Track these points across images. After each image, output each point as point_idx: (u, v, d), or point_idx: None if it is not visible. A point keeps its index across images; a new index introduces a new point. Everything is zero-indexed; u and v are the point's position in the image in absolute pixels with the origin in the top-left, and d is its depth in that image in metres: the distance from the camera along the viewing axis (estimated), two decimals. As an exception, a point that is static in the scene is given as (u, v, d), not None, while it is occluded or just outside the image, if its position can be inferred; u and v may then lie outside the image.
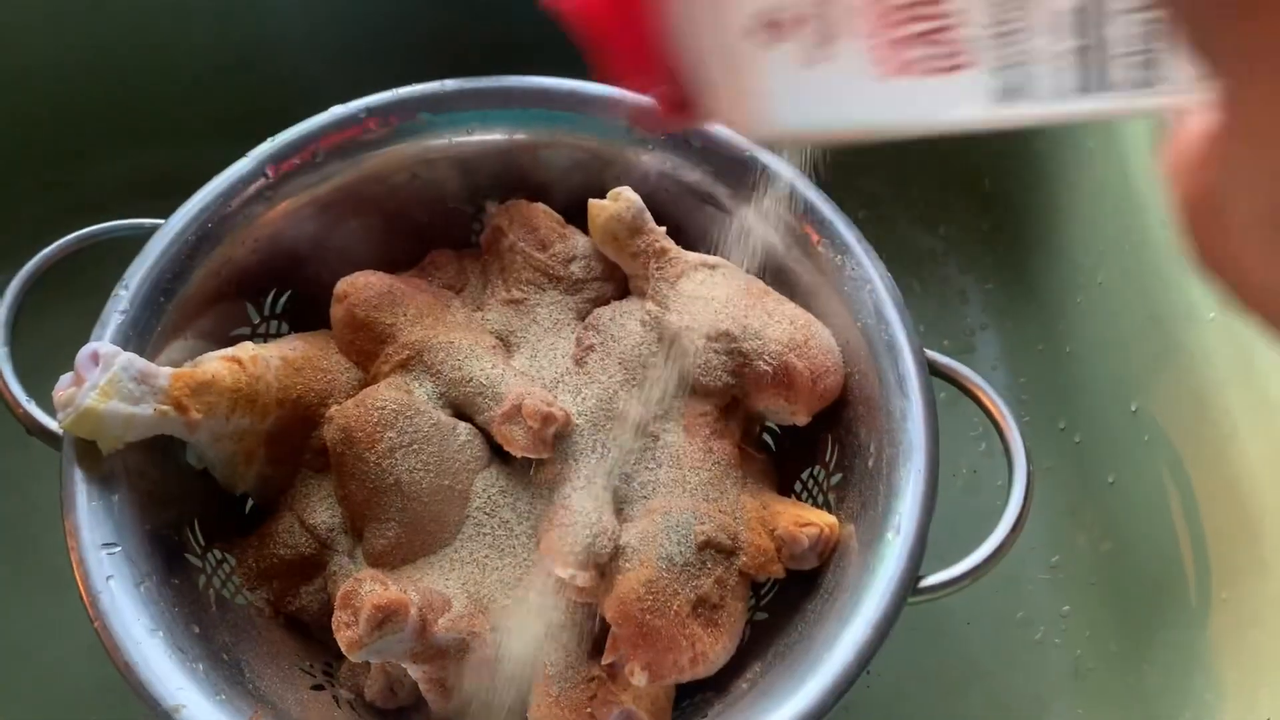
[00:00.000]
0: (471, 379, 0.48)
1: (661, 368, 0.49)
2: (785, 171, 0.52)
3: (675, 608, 0.44)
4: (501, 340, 0.52)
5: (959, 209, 0.73)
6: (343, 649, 0.42)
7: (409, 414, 0.47)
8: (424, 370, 0.49)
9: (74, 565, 0.42)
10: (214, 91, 0.69)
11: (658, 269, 0.51)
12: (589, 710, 0.44)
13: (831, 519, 0.47)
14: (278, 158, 0.52)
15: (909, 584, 0.42)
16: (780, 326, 0.49)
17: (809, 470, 0.52)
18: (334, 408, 0.49)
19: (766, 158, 0.52)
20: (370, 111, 0.53)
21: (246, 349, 0.48)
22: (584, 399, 0.48)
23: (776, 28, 0.22)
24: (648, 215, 0.52)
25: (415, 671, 0.45)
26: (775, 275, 0.52)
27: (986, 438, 0.64)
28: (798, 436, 0.52)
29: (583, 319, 0.52)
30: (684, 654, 0.44)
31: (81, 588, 0.41)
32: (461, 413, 0.49)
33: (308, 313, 0.54)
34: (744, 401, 0.50)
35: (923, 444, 0.45)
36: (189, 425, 0.45)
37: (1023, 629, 0.59)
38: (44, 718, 0.56)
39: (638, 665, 0.44)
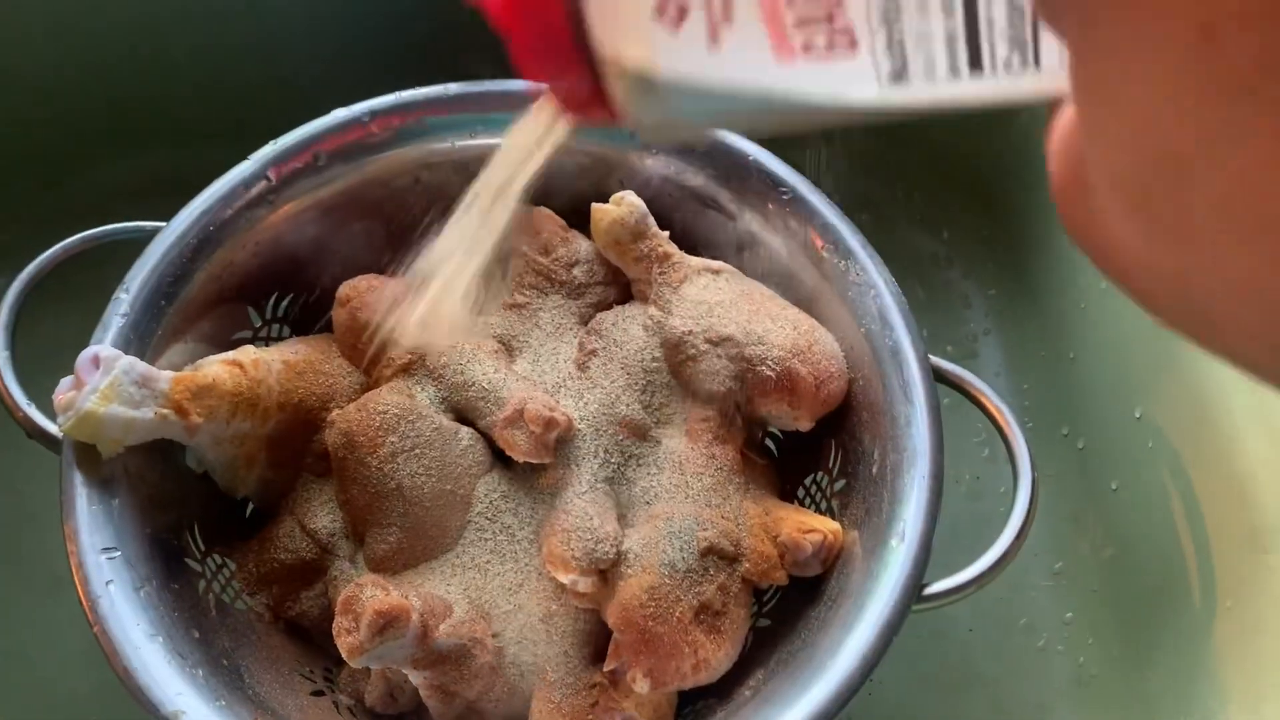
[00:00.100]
0: (474, 383, 0.48)
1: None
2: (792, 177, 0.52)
3: (678, 614, 0.44)
4: (503, 344, 0.52)
5: (962, 214, 0.73)
6: (344, 655, 0.42)
7: (411, 418, 0.47)
8: (426, 374, 0.49)
9: (73, 569, 0.42)
10: (215, 94, 0.69)
11: (660, 274, 0.51)
12: (590, 717, 0.44)
13: (835, 525, 0.47)
14: (279, 160, 0.51)
15: (913, 591, 0.42)
16: (784, 332, 0.49)
17: (812, 476, 0.52)
18: (335, 412, 0.48)
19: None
20: (373, 114, 0.53)
21: (248, 352, 0.48)
22: (586, 404, 0.48)
23: (677, 9, 0.22)
24: (651, 220, 0.51)
25: (416, 677, 0.45)
26: (779, 280, 0.52)
27: (989, 444, 0.64)
28: (800, 442, 0.52)
29: (585, 323, 0.52)
30: (686, 661, 0.44)
31: (81, 592, 0.41)
32: (463, 417, 0.49)
33: (309, 316, 0.54)
34: (747, 407, 0.49)
35: (927, 450, 0.45)
36: (189, 429, 0.45)
37: (1025, 635, 0.59)
38: (41, 722, 0.56)
39: (640, 672, 0.43)
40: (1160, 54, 0.15)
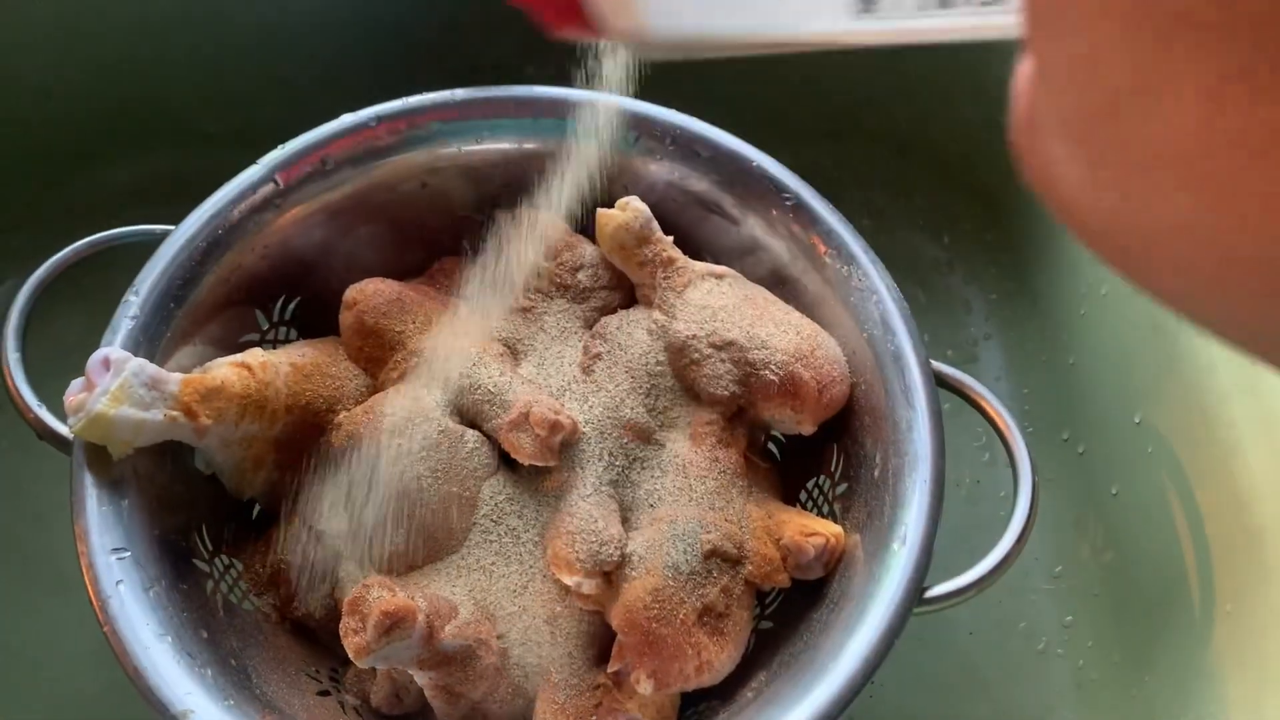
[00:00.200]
0: (479, 387, 0.49)
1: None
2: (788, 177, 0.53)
3: (681, 616, 0.44)
4: (509, 348, 0.52)
5: (963, 219, 0.73)
6: (350, 655, 0.42)
7: (417, 421, 0.47)
8: (432, 378, 0.49)
9: (84, 570, 0.42)
10: (222, 97, 0.70)
11: (665, 278, 0.51)
12: (594, 718, 0.45)
13: (837, 529, 0.47)
14: (288, 164, 0.52)
15: (915, 594, 0.42)
16: (787, 336, 0.49)
17: (814, 480, 0.53)
18: (342, 414, 0.49)
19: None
20: (381, 119, 0.53)
21: (256, 355, 0.48)
22: (591, 407, 0.49)
23: None
24: (655, 225, 0.52)
25: (421, 678, 0.45)
26: (781, 285, 0.53)
27: (989, 448, 0.65)
28: (803, 446, 0.52)
29: (590, 327, 0.52)
30: (689, 662, 0.44)
31: (91, 592, 0.42)
32: (469, 420, 0.49)
33: (316, 319, 0.54)
34: (750, 411, 0.50)
35: (928, 455, 0.45)
36: (198, 431, 0.45)
37: (1025, 639, 0.59)
38: (49, 721, 0.57)
39: (643, 673, 0.44)
40: None
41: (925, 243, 0.73)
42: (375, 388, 0.51)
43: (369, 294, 0.51)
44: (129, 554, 0.43)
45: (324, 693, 0.48)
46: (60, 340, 0.53)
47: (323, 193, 0.53)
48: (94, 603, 0.41)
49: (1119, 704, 0.56)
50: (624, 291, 0.54)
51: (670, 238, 0.52)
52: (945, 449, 0.46)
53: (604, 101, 0.53)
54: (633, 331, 0.50)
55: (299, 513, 0.50)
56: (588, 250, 0.54)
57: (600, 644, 0.46)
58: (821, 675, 0.41)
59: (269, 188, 0.52)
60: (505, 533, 0.48)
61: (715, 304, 0.50)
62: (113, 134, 0.70)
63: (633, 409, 0.49)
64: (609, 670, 0.45)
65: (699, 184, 0.54)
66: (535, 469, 0.48)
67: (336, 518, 0.49)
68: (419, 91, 0.54)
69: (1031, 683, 0.58)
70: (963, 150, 0.72)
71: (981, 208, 0.73)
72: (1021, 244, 0.70)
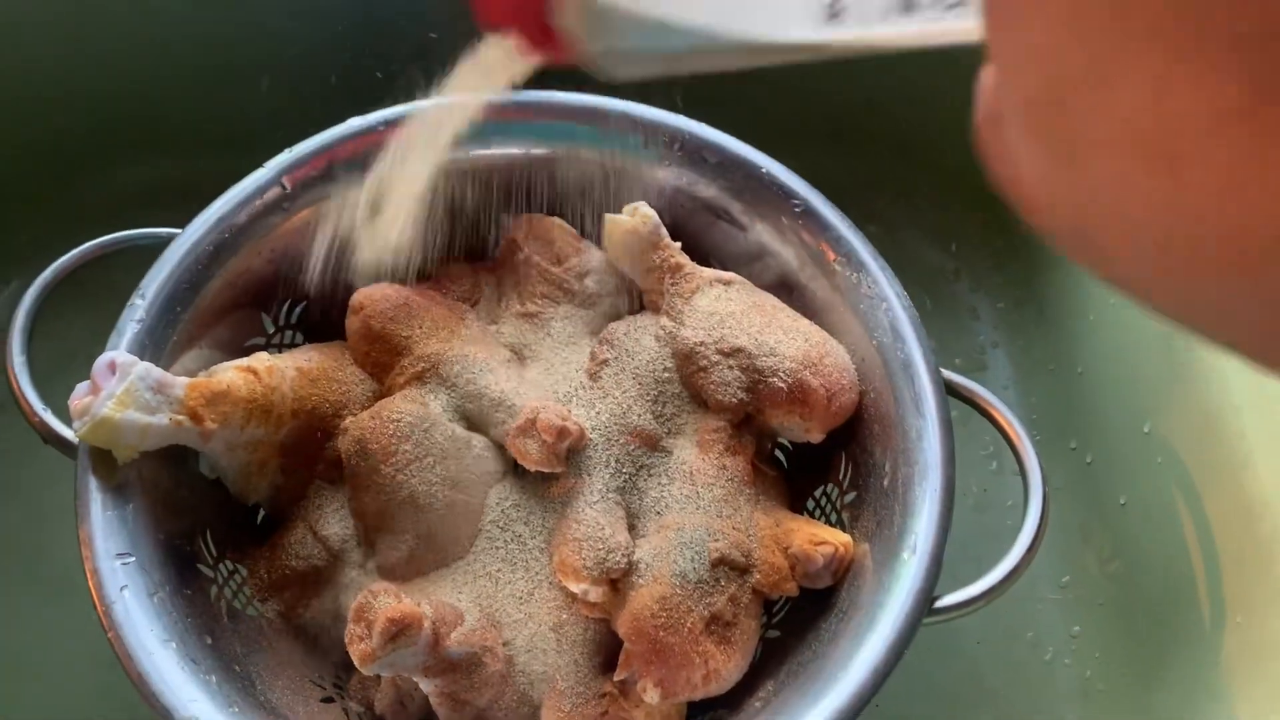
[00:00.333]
0: (486, 392, 0.48)
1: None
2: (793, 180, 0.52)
3: (689, 625, 0.44)
4: (515, 353, 0.52)
5: (971, 226, 0.73)
6: (356, 662, 0.42)
7: (424, 427, 0.47)
8: (439, 383, 0.49)
9: (88, 575, 0.42)
10: (231, 101, 0.69)
11: (672, 284, 0.51)
12: (601, 726, 0.44)
13: (846, 537, 0.47)
14: (295, 168, 0.52)
15: (925, 604, 0.42)
16: (795, 343, 0.49)
17: (821, 488, 0.52)
18: (349, 419, 0.48)
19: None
20: (388, 124, 0.53)
21: (262, 359, 0.48)
22: (598, 413, 0.48)
23: None
24: (664, 231, 0.52)
25: (427, 685, 0.45)
26: (789, 292, 0.53)
27: (997, 456, 0.64)
28: (810, 454, 0.52)
29: (596, 333, 0.52)
30: (697, 671, 0.44)
31: (95, 597, 0.41)
32: (476, 426, 0.49)
33: (322, 323, 0.54)
34: (758, 418, 0.50)
35: (938, 464, 0.45)
36: (204, 435, 0.45)
37: (1033, 649, 0.59)
38: (51, 725, 0.56)
39: (650, 682, 0.44)
40: None
41: (932, 250, 0.73)
42: (381, 393, 0.50)
43: (375, 299, 0.51)
44: (133, 559, 0.42)
45: (328, 699, 0.48)
46: (64, 342, 0.53)
47: (330, 196, 0.52)
48: (98, 608, 0.41)
49: (1126, 715, 0.56)
50: (631, 297, 0.54)
51: (678, 244, 0.52)
52: (955, 458, 0.45)
53: (611, 107, 0.53)
54: (640, 338, 0.50)
55: (304, 518, 0.49)
56: (595, 256, 0.54)
57: (606, 652, 0.46)
58: (830, 685, 0.41)
59: (276, 191, 0.51)
60: (511, 539, 0.47)
61: (723, 310, 0.50)
62: (119, 137, 0.70)
63: (640, 415, 0.48)
64: (615, 678, 0.45)
65: (707, 190, 0.54)
66: (542, 475, 0.48)
67: (341, 523, 0.49)
68: (427, 96, 0.54)
69: (1038, 693, 0.58)
70: (970, 157, 0.71)
71: (989, 215, 0.73)
72: (1029, 252, 0.70)
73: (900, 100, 0.72)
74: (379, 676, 0.47)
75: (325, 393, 0.49)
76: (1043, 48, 0.17)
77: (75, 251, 0.50)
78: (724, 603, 0.45)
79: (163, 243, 0.50)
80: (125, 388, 0.43)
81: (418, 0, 0.68)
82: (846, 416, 0.49)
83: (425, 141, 0.40)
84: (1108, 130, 0.17)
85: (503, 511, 0.48)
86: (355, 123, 0.53)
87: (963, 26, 0.22)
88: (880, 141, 0.74)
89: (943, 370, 0.48)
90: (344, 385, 0.50)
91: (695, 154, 0.53)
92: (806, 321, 0.51)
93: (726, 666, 0.45)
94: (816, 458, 0.52)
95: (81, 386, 0.43)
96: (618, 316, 0.53)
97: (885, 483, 0.47)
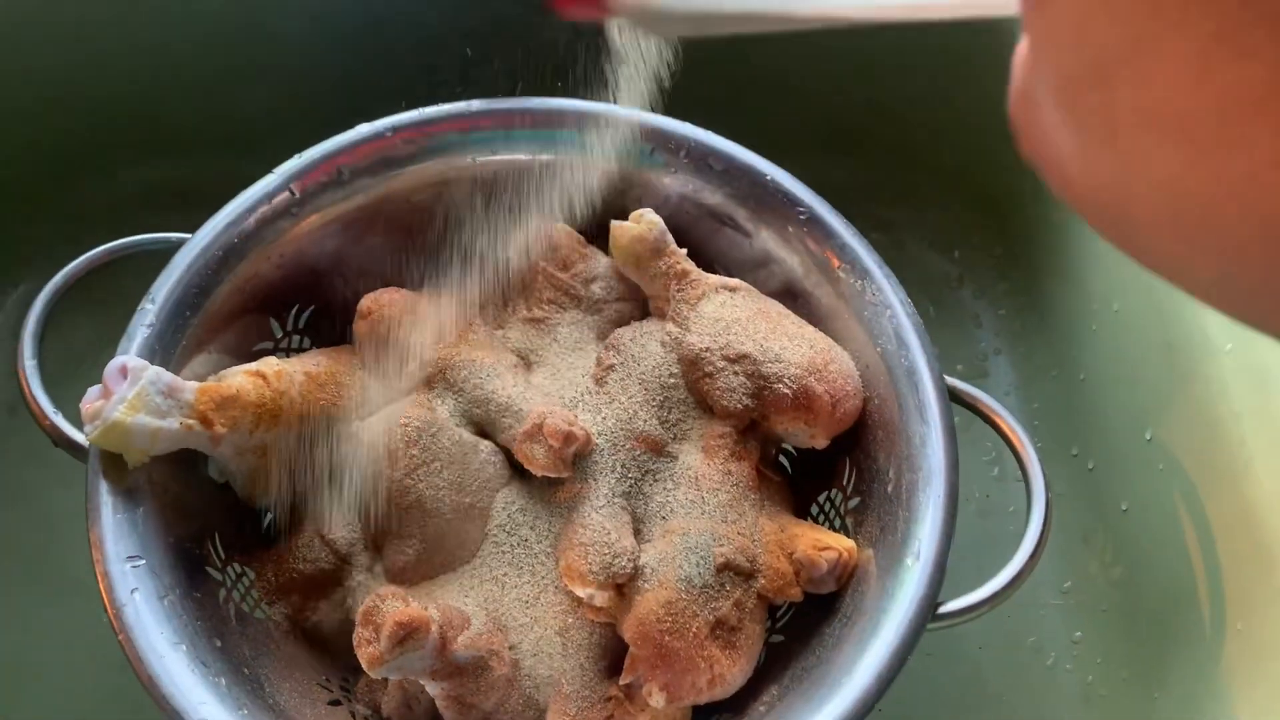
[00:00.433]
0: (493, 397, 0.49)
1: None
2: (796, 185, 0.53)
3: (694, 629, 0.44)
4: (522, 359, 0.52)
5: (973, 233, 0.74)
6: (363, 665, 0.42)
7: (431, 431, 0.47)
8: (446, 388, 0.50)
9: (99, 578, 0.42)
10: (239, 106, 0.70)
11: (678, 290, 0.51)
12: (606, 730, 0.45)
13: (850, 543, 0.47)
14: (304, 174, 0.52)
15: (928, 610, 0.43)
16: (800, 350, 0.49)
17: (825, 494, 0.53)
18: (356, 424, 0.49)
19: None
20: (396, 129, 0.53)
21: (270, 364, 0.49)
22: (604, 419, 0.49)
23: None
24: (670, 237, 0.52)
25: (433, 689, 0.45)
26: (794, 299, 0.53)
27: (999, 462, 0.65)
28: (814, 459, 0.53)
29: (603, 339, 0.53)
30: (702, 676, 0.44)
31: (106, 600, 0.42)
32: (483, 431, 0.49)
33: (330, 328, 0.54)
34: (763, 424, 0.50)
35: (942, 470, 0.45)
36: (214, 439, 0.45)
37: (1034, 654, 0.59)
38: (59, 726, 0.57)
39: (655, 686, 0.44)
40: None
41: (935, 257, 0.73)
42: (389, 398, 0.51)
43: (383, 303, 0.51)
44: (144, 562, 0.43)
45: (335, 702, 0.48)
46: (73, 346, 0.54)
47: (338, 202, 0.53)
48: (109, 611, 0.41)
49: (1127, 720, 0.56)
50: (637, 303, 0.54)
51: (684, 250, 0.53)
52: (959, 464, 0.46)
53: (618, 114, 0.54)
54: (646, 343, 0.51)
55: (311, 522, 0.50)
56: (601, 262, 0.54)
57: (612, 656, 0.47)
58: (835, 690, 0.41)
59: (285, 197, 0.52)
60: (518, 544, 0.48)
61: (729, 317, 0.50)
62: (124, 140, 0.70)
63: (646, 421, 0.49)
64: (621, 682, 0.45)
65: (712, 197, 0.54)
66: (548, 480, 0.48)
67: (349, 527, 0.49)
68: (435, 102, 0.54)
69: (1040, 698, 0.58)
70: (973, 164, 0.73)
71: (991, 222, 0.73)
72: (1032, 259, 0.70)
73: (905, 107, 0.73)
74: (386, 679, 0.48)
75: (333, 397, 0.50)
76: (1081, 25, 0.17)
77: (85, 256, 0.50)
78: (729, 608, 0.45)
79: (172, 248, 0.50)
80: (136, 392, 0.43)
81: (422, 4, 0.69)
82: (851, 423, 0.50)
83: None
84: (1147, 109, 0.17)
85: (509, 516, 0.48)
86: (364, 129, 0.53)
87: (1000, 1, 0.22)
88: (884, 148, 0.74)
89: (946, 377, 0.48)
90: (352, 390, 0.50)
91: (701, 161, 0.54)
92: (811, 328, 0.51)
93: (731, 671, 0.45)
94: (821, 463, 0.52)
95: (93, 390, 0.44)
96: (624, 322, 0.53)
97: (889, 489, 0.47)
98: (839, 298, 0.51)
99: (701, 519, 0.47)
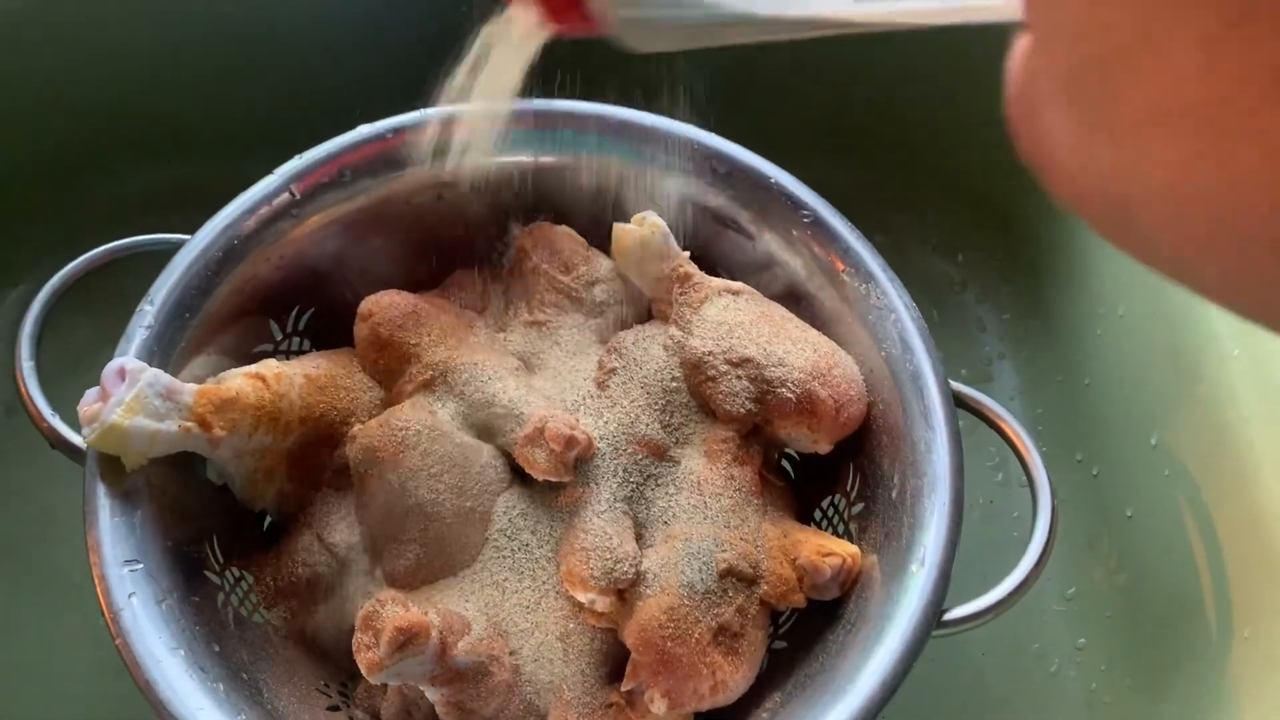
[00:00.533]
0: (494, 401, 0.48)
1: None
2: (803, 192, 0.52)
3: (696, 635, 0.44)
4: (523, 362, 0.52)
5: (977, 237, 0.73)
6: (363, 670, 0.42)
7: (432, 435, 0.47)
8: (447, 391, 0.49)
9: (96, 581, 0.42)
10: (239, 107, 0.70)
11: (681, 294, 0.51)
12: (607, 737, 0.44)
13: (854, 549, 0.47)
14: (304, 175, 0.52)
15: (933, 617, 0.42)
16: (804, 354, 0.49)
17: (829, 499, 0.52)
18: (357, 427, 0.48)
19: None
20: (397, 131, 0.53)
21: (270, 366, 0.48)
22: (605, 423, 0.48)
23: None
24: (673, 240, 0.52)
25: (433, 694, 0.45)
26: (797, 302, 0.53)
27: (1003, 468, 0.64)
28: (817, 464, 0.52)
29: (604, 342, 0.52)
30: (704, 682, 0.44)
31: (103, 604, 0.41)
32: (484, 434, 0.49)
33: (330, 330, 0.54)
34: (766, 428, 0.50)
35: (947, 476, 0.45)
36: (212, 442, 0.45)
37: (1039, 660, 0.59)
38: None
39: (657, 693, 0.44)
40: None
41: (938, 261, 0.73)
42: (389, 400, 0.50)
43: (384, 306, 0.51)
44: (141, 566, 0.42)
45: (334, 708, 0.47)
46: (71, 347, 0.53)
47: (339, 204, 0.53)
48: (106, 615, 0.41)
49: (1132, 728, 0.56)
50: (639, 306, 0.54)
51: (687, 253, 0.52)
52: (964, 470, 0.45)
53: (619, 117, 0.53)
54: (648, 347, 0.50)
55: (310, 525, 0.49)
56: (603, 264, 0.54)
57: (613, 662, 0.46)
58: (839, 698, 0.41)
59: (285, 198, 0.51)
60: (519, 548, 0.47)
61: (732, 320, 0.50)
62: (128, 142, 0.70)
63: (648, 425, 0.48)
64: (622, 689, 0.45)
65: (715, 199, 0.54)
66: (549, 484, 0.48)
67: (348, 531, 0.49)
68: (436, 104, 0.54)
69: (1044, 704, 0.58)
70: (976, 167, 0.72)
71: (995, 226, 0.73)
72: (1035, 263, 0.70)
73: (908, 110, 0.73)
74: (385, 685, 0.47)
75: (333, 400, 0.49)
76: (1085, 19, 0.17)
77: (84, 257, 0.50)
78: (731, 613, 0.45)
79: (172, 249, 0.50)
80: (135, 394, 0.43)
81: (423, 6, 0.68)
82: (855, 427, 0.49)
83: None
84: (1153, 102, 0.16)
85: (510, 520, 0.48)
86: (364, 130, 0.53)
87: (998, 4, 0.21)
88: (888, 151, 0.74)
89: (951, 382, 0.48)
90: (352, 393, 0.50)
91: (704, 163, 0.53)
92: (815, 332, 0.51)
93: (734, 678, 0.44)
94: (824, 468, 0.52)
95: (91, 393, 0.43)
96: (626, 325, 0.53)
97: (893, 494, 0.47)
98: (843, 301, 0.51)
99: (704, 524, 0.46)
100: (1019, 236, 0.72)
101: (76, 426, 0.44)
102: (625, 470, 0.47)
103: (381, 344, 0.50)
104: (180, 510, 0.46)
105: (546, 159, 0.54)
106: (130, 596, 0.41)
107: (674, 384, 0.49)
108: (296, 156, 0.52)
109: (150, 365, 0.45)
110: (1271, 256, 0.16)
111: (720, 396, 0.48)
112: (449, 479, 0.47)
